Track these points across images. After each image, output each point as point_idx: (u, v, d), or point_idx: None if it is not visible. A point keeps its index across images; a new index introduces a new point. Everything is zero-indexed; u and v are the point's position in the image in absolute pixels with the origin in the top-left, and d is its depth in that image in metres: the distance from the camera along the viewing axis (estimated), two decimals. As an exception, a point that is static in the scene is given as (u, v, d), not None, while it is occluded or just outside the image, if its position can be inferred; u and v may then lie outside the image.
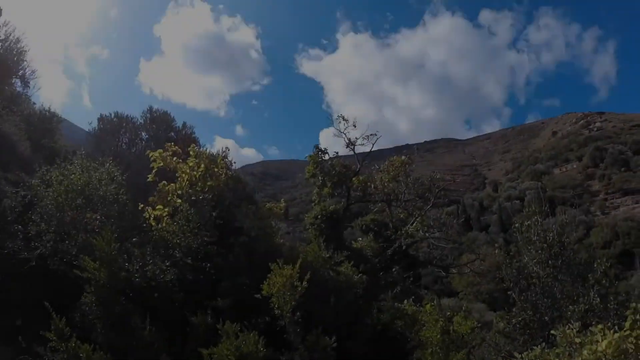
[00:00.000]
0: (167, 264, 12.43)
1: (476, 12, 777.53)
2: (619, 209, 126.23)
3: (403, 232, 22.47)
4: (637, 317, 6.88)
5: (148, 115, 24.05)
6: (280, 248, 16.40)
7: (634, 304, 7.06)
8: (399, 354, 13.38)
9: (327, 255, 15.58)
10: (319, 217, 21.36)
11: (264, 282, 11.59)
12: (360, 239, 23.96)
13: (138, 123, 23.90)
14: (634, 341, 6.74)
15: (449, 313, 15.46)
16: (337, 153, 24.08)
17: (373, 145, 23.01)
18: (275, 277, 11.32)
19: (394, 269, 21.79)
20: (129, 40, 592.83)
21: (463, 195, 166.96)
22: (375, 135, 22.89)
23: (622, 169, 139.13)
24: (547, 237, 12.74)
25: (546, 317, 12.77)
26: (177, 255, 13.06)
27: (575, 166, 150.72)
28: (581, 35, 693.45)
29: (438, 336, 12.18)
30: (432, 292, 64.78)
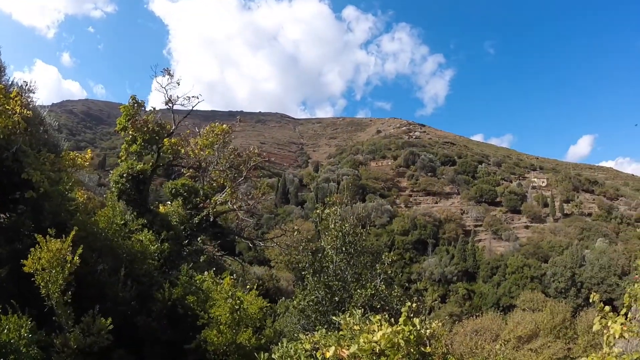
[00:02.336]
0: None
1: (342, 5, 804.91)
2: (420, 205, 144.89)
3: (212, 201, 21.64)
4: (411, 314, 7.14)
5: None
6: (76, 207, 14.34)
7: (408, 303, 7.32)
8: (188, 331, 12.65)
9: (122, 222, 14.06)
10: (124, 175, 19.40)
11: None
12: (168, 203, 22.52)
13: None
14: (406, 336, 6.95)
15: (248, 286, 15.20)
16: (154, 108, 22.16)
17: (193, 107, 21.54)
18: (41, 252, 9.61)
19: (199, 238, 20.90)
20: None
21: (286, 170, 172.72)
22: (197, 97, 21.48)
23: (429, 174, 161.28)
24: (343, 227, 13.19)
25: (336, 298, 13.19)
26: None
27: (389, 163, 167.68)
28: (426, 57, 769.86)
29: (227, 314, 11.70)
30: (242, 260, 65.55)
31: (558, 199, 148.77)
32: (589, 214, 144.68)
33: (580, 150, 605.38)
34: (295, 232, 16.34)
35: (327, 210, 13.58)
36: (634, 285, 10.50)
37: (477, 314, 58.09)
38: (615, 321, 6.87)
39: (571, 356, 37.31)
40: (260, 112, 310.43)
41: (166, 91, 21.18)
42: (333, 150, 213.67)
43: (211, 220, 21.37)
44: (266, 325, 14.29)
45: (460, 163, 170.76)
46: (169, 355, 12.35)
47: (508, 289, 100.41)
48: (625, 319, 6.96)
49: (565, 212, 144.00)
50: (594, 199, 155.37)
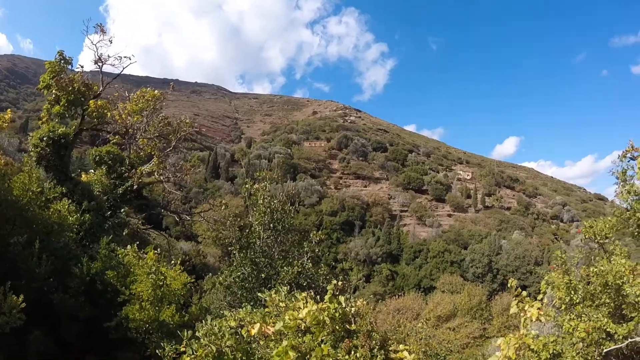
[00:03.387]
0: None
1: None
2: (350, 187, 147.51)
3: (138, 171, 20.56)
4: (337, 292, 7.22)
5: None
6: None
7: (334, 281, 7.40)
8: (109, 308, 12.05)
9: (39, 190, 13.17)
10: (45, 139, 18.10)
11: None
12: (92, 171, 21.26)
13: None
14: (332, 313, 7.03)
15: (173, 261, 14.77)
16: (82, 66, 20.69)
17: (124, 68, 20.26)
18: None
19: (123, 210, 19.89)
20: None
21: (218, 144, 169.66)
22: (129, 58, 20.20)
23: (360, 158, 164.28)
24: (272, 203, 13.07)
25: (263, 275, 13.11)
26: None
27: (322, 145, 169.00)
28: (370, 44, 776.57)
29: (149, 291, 11.27)
30: (168, 235, 63.99)
31: (481, 192, 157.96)
32: (508, 208, 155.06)
33: (505, 149, 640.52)
34: (223, 207, 15.85)
35: (256, 186, 13.35)
36: (550, 273, 11.27)
37: (399, 294, 60.47)
38: (533, 305, 7.28)
39: (486, 335, 39.75)
40: (196, 82, 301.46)
41: (97, 49, 19.85)
42: (267, 127, 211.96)
43: (135, 188, 20.35)
44: (192, 302, 13.95)
45: (392, 150, 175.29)
46: (89, 335, 11.80)
47: (429, 272, 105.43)
48: (542, 304, 7.39)
49: (486, 204, 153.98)
50: (513, 195, 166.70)
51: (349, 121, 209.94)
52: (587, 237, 11.64)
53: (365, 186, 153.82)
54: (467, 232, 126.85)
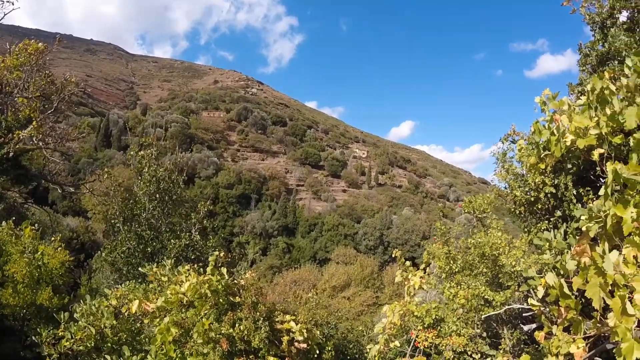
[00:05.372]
0: None
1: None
2: (247, 160, 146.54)
3: (15, 135, 18.24)
4: (219, 263, 7.06)
5: None
6: None
7: (216, 252, 7.22)
8: None
9: None
10: None
11: None
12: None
13: None
14: (214, 286, 6.86)
15: (53, 238, 13.60)
16: None
17: (4, 15, 17.93)
18: None
19: None
20: None
21: (111, 109, 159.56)
22: (12, 3, 17.82)
23: (259, 132, 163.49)
24: (158, 172, 12.41)
25: (149, 249, 12.55)
26: None
27: (222, 116, 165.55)
28: (281, 16, 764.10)
29: (24, 271, 10.23)
30: (55, 210, 59.63)
31: (375, 170, 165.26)
32: (400, 186, 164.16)
33: (401, 132, 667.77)
34: (106, 176, 14.58)
35: (141, 152, 12.52)
36: (432, 245, 11.96)
37: (295, 267, 61.73)
38: (415, 275, 7.60)
39: (379, 303, 42.13)
40: (92, 39, 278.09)
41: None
42: (165, 94, 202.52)
43: (13, 159, 18.02)
44: (81, 283, 12.96)
45: (291, 125, 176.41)
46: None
47: (324, 244, 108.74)
48: (424, 273, 7.77)
49: (379, 182, 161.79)
50: (405, 175, 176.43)
51: (250, 93, 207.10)
52: (466, 211, 12.47)
53: (263, 159, 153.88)
54: (361, 207, 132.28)
